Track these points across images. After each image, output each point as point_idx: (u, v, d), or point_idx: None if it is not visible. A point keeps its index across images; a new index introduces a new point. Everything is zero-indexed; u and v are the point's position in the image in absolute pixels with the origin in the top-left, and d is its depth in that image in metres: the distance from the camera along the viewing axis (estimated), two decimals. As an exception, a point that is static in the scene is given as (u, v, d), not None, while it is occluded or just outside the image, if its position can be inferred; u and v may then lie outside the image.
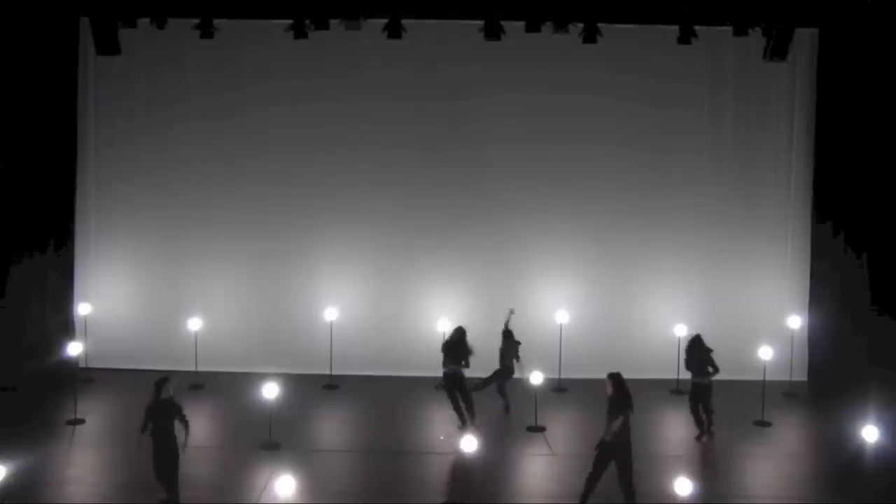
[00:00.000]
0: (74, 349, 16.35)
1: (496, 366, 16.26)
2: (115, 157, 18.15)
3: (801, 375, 17.93)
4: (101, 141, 18.11)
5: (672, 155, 18.09)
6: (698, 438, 15.21)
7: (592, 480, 12.43)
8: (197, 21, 17.00)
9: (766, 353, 16.68)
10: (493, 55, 17.33)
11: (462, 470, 13.01)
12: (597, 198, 18.15)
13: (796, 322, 17.75)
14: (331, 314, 17.72)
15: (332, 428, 15.86)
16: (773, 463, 14.47)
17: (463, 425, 15.11)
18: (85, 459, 14.30)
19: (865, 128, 17.24)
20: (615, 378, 12.49)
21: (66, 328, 17.81)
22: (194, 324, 17.58)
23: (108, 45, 16.94)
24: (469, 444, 12.58)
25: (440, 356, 16.94)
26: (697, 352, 15.25)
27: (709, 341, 15.23)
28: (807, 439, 15.76)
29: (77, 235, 18.13)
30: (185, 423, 12.39)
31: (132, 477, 13.51)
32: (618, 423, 12.21)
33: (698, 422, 15.30)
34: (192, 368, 17.45)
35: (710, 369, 15.11)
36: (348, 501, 12.90)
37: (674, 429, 15.99)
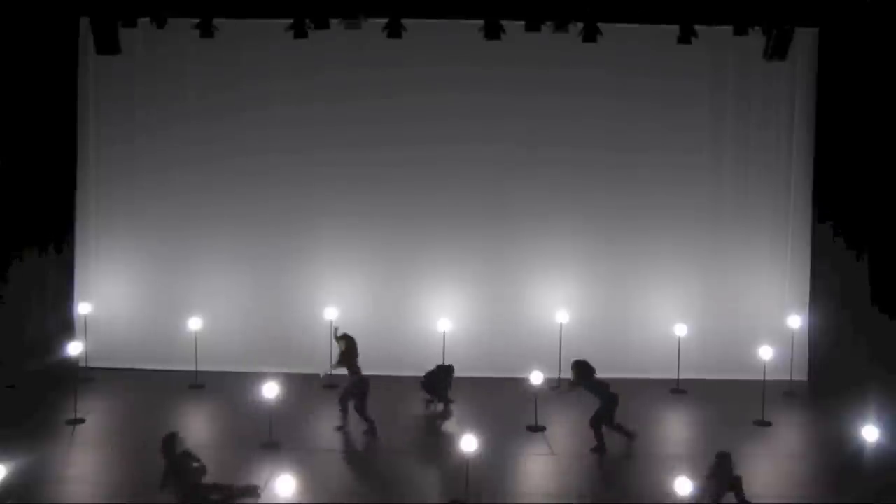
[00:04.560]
0: (74, 349, 16.34)
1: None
2: (115, 156, 18.14)
3: (801, 375, 17.91)
4: (101, 141, 18.09)
5: (672, 154, 18.08)
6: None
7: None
8: (197, 21, 16.98)
9: (766, 352, 16.67)
10: (493, 55, 17.31)
11: (462, 470, 13.01)
12: (597, 197, 18.14)
13: (796, 322, 17.73)
14: (331, 314, 17.71)
15: (332, 428, 15.84)
16: (773, 463, 14.46)
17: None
18: (85, 459, 14.30)
19: (865, 128, 17.23)
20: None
21: (66, 328, 17.81)
22: (194, 324, 17.58)
23: (108, 45, 16.93)
24: (469, 444, 12.59)
25: (440, 355, 16.99)
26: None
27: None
28: (807, 439, 15.76)
29: (77, 235, 18.12)
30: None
31: (132, 477, 13.53)
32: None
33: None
34: (192, 368, 17.45)
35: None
36: (348, 501, 12.90)
37: (674, 428, 16.00)
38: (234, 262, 18.23)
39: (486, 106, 17.88)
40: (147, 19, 17.06)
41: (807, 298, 18.01)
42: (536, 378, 15.63)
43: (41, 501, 12.65)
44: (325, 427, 15.62)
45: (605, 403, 14.75)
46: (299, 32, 16.82)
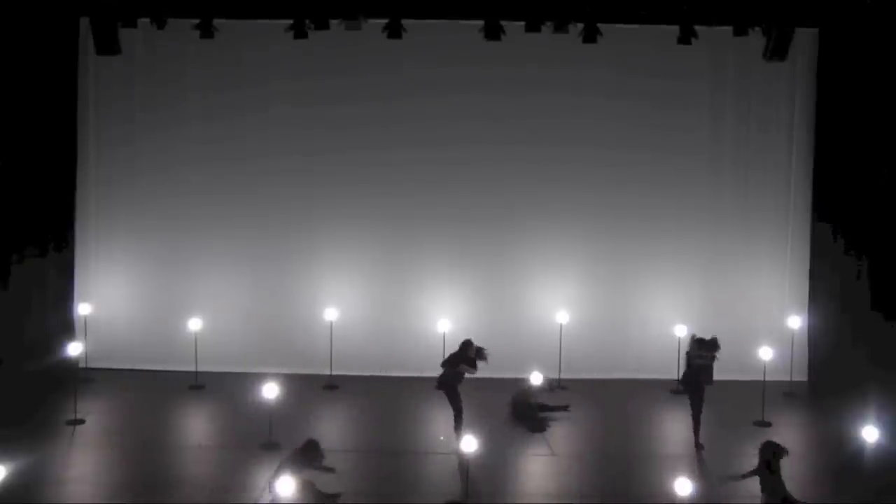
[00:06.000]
0: (74, 349, 16.34)
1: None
2: (114, 157, 18.13)
3: (801, 375, 17.92)
4: (101, 141, 18.10)
5: (672, 155, 18.09)
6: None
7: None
8: (197, 21, 17.00)
9: (766, 353, 16.68)
10: (493, 55, 17.32)
11: (462, 470, 13.03)
12: (597, 198, 18.14)
13: (796, 322, 17.75)
14: (331, 314, 17.72)
15: (332, 428, 15.86)
16: (772, 463, 14.45)
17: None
18: (85, 459, 14.30)
19: (865, 128, 17.23)
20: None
21: (66, 328, 17.81)
22: (194, 324, 17.58)
23: (108, 45, 16.94)
24: (469, 444, 12.59)
25: (440, 356, 16.97)
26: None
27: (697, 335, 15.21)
28: (807, 439, 15.75)
29: (77, 235, 18.12)
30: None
31: (132, 477, 13.54)
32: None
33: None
34: (192, 368, 17.45)
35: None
36: (349, 501, 12.90)
37: (674, 428, 15.99)
38: (234, 262, 18.23)
39: (486, 107, 17.88)
40: (147, 20, 17.09)
41: (807, 299, 18.01)
42: (536, 378, 15.64)
43: (41, 502, 12.65)
44: (325, 427, 15.61)
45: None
46: (299, 33, 16.83)
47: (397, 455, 14.59)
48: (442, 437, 15.13)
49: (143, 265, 18.25)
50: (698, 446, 14.81)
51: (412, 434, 15.50)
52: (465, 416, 14.86)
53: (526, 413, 15.93)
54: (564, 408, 16.35)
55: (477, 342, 15.37)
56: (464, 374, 14.93)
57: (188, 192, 18.14)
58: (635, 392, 17.33)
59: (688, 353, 15.18)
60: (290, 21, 16.80)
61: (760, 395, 16.22)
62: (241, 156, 18.03)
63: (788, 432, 15.78)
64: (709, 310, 18.02)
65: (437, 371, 17.03)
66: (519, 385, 16.20)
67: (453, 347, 16.40)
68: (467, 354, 15.01)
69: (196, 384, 17.34)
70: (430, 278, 18.21)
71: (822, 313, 17.77)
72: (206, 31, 17.02)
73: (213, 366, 17.58)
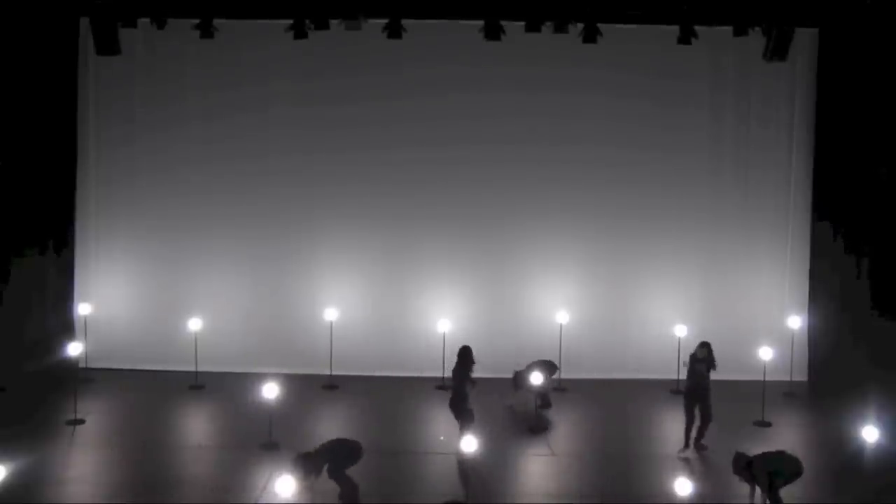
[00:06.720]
0: (74, 349, 16.34)
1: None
2: (114, 157, 18.14)
3: (801, 375, 17.93)
4: (101, 141, 18.10)
5: (672, 154, 18.10)
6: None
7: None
8: (197, 21, 17.00)
9: (766, 353, 16.67)
10: (493, 55, 17.32)
11: (462, 470, 13.03)
12: (597, 197, 18.15)
13: (796, 322, 17.75)
14: (331, 314, 17.72)
15: (332, 428, 15.84)
16: (773, 463, 14.45)
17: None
18: (85, 459, 14.30)
19: (865, 128, 17.24)
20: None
21: (66, 328, 17.81)
22: (194, 324, 17.58)
23: (108, 45, 16.94)
24: (469, 444, 12.60)
25: (440, 356, 16.98)
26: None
27: (709, 341, 15.21)
28: (807, 439, 15.75)
29: (77, 235, 18.13)
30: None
31: (132, 477, 13.54)
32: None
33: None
34: (192, 368, 17.45)
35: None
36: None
37: (674, 429, 15.98)
38: (234, 262, 18.23)
39: (485, 107, 17.88)
40: (147, 20, 17.09)
41: (807, 299, 18.02)
42: (536, 378, 15.64)
43: (41, 502, 12.65)
44: (325, 427, 15.61)
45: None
46: (299, 33, 16.83)
47: (397, 455, 14.59)
48: (442, 437, 15.13)
49: (143, 265, 18.25)
50: (699, 446, 14.80)
51: (412, 434, 15.50)
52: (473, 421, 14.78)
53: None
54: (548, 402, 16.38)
55: (477, 342, 15.41)
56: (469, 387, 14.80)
57: (188, 192, 18.14)
58: (635, 392, 17.33)
59: (690, 362, 15.14)
60: (290, 21, 16.80)
61: (760, 395, 16.22)
62: (241, 156, 18.03)
63: (788, 432, 15.80)
64: (709, 310, 18.03)
65: (436, 371, 17.13)
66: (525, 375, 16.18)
67: (453, 347, 16.44)
68: (469, 361, 14.84)
69: (196, 384, 17.34)
70: (430, 278, 18.20)
71: (822, 313, 17.78)
72: (206, 31, 17.02)
73: (213, 366, 17.58)
